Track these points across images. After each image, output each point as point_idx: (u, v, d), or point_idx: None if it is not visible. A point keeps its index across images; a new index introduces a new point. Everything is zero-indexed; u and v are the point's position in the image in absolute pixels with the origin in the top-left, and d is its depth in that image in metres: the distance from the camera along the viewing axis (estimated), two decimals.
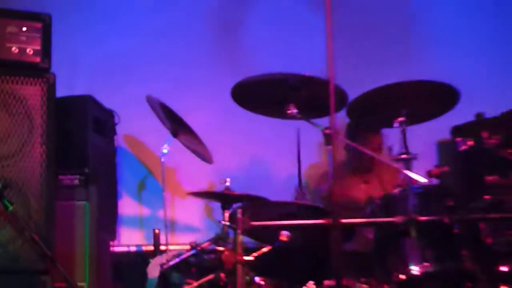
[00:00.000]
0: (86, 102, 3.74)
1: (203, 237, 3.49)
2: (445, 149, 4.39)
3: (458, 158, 3.84)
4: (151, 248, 3.89)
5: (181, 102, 3.80)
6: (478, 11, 4.90)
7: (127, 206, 4.33)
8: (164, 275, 3.32)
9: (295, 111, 3.13)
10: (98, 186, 3.65)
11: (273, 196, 4.09)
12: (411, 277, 2.91)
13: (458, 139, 3.48)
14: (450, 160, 4.15)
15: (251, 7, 4.68)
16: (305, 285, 2.97)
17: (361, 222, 3.32)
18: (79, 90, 3.84)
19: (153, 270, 3.55)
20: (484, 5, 4.87)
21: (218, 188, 3.46)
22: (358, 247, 3.48)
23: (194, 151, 3.75)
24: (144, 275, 3.65)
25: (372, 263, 3.23)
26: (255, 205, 3.33)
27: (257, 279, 2.99)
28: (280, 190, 4.51)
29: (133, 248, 4.26)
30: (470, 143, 3.40)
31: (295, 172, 4.58)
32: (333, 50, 2.38)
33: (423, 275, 2.91)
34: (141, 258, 3.96)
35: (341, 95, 3.09)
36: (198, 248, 3.31)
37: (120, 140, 4.18)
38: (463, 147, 3.45)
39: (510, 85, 4.25)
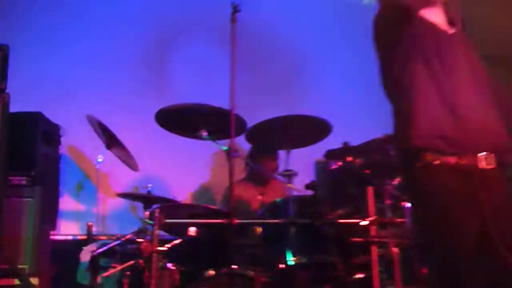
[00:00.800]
0: (37, 118, 3.79)
1: (127, 230, 3.49)
2: (321, 168, 4.54)
3: (330, 175, 4.07)
4: (85, 237, 3.85)
5: (115, 121, 3.81)
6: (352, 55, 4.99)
7: (67, 203, 4.31)
8: (94, 259, 3.34)
9: (205, 133, 3.26)
10: (43, 186, 3.71)
11: (187, 199, 4.30)
12: (289, 266, 3.10)
13: (330, 160, 3.73)
14: (323, 176, 4.39)
15: (176, 47, 4.78)
16: (207, 270, 3.04)
17: (252, 222, 3.45)
18: (32, 107, 3.85)
19: (85, 256, 3.55)
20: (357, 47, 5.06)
21: (142, 191, 3.48)
22: (249, 242, 3.50)
23: (123, 161, 3.78)
24: (77, 259, 3.66)
25: (259, 255, 3.36)
26: (170, 206, 3.40)
27: (169, 265, 3.05)
28: (193, 194, 4.65)
29: (69, 237, 4.26)
30: (339, 164, 3.63)
31: (206, 180, 4.78)
32: (236, 85, 2.57)
33: (298, 264, 3.11)
34: (76, 246, 3.91)
35: (241, 122, 3.20)
36: (123, 239, 3.35)
37: (64, 149, 4.15)
38: (334, 167, 3.70)
39: (369, 120, 4.40)
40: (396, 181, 3.44)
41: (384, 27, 2.15)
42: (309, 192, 3.37)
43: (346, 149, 3.59)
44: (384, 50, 2.17)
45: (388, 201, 3.35)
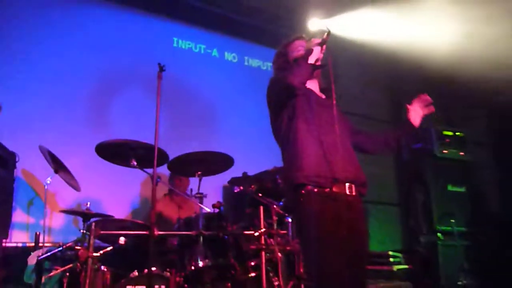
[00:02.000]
0: None
1: (69, 239, 3.43)
2: (226, 191, 4.69)
3: (233, 197, 4.27)
4: (33, 244, 3.73)
5: (63, 149, 3.75)
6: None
7: (19, 216, 4.15)
8: (39, 263, 3.26)
9: (135, 163, 3.26)
10: None
11: (120, 214, 4.16)
12: (198, 268, 3.14)
13: (234, 185, 3.84)
14: (228, 198, 4.52)
15: (114, 93, 4.78)
16: (132, 272, 3.02)
17: (170, 234, 3.49)
18: None
19: (32, 259, 3.46)
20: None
21: (82, 208, 3.40)
22: (167, 249, 3.51)
23: (68, 183, 3.71)
24: (25, 262, 3.56)
25: (175, 259, 3.37)
26: (104, 220, 3.34)
27: (102, 267, 3.02)
28: (124, 211, 4.60)
29: (20, 245, 4.10)
30: (240, 188, 3.76)
31: (135, 200, 4.74)
32: (161, 125, 2.56)
33: (205, 267, 3.17)
34: (25, 252, 3.81)
35: (164, 155, 3.25)
36: (64, 246, 3.29)
37: (18, 172, 4.04)
38: (236, 191, 3.83)
39: (263, 155, 4.45)
40: (281, 202, 3.67)
41: (275, 97, 2.38)
42: (216, 210, 3.40)
43: (245, 177, 3.73)
44: (274, 113, 2.40)
45: (274, 217, 3.46)
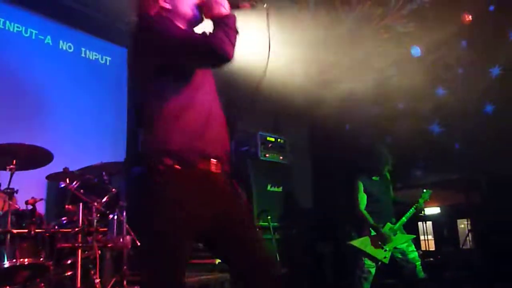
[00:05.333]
0: None
1: None
2: (51, 187, 4.23)
3: (58, 193, 3.94)
4: None
5: None
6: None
7: None
8: None
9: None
10: None
11: None
12: (8, 267, 2.96)
13: (60, 181, 3.59)
14: (52, 194, 4.20)
15: None
16: None
17: None
18: None
19: None
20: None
21: None
22: None
23: None
24: None
25: None
26: None
27: None
28: None
29: None
30: (65, 183, 3.49)
31: None
32: None
33: (12, 267, 2.99)
34: None
35: None
36: None
37: None
38: (62, 185, 3.55)
39: (93, 149, 4.36)
40: (104, 199, 3.59)
41: (164, 56, 1.71)
42: (29, 207, 3.21)
43: (66, 172, 3.51)
44: (145, 71, 1.76)
45: (95, 215, 3.41)
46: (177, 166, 1.67)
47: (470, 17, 5.26)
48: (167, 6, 1.81)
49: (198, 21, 1.86)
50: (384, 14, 5.38)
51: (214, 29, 1.72)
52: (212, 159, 1.76)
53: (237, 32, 1.73)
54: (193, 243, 1.76)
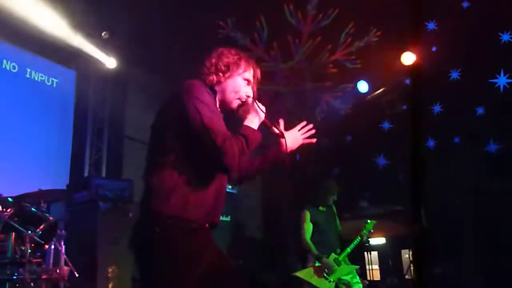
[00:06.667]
0: None
1: None
2: None
3: None
4: None
5: None
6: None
7: None
8: None
9: None
10: None
11: None
12: None
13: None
14: None
15: None
16: None
17: None
18: None
19: None
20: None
21: None
22: None
23: None
24: None
25: None
26: None
27: None
28: None
29: None
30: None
31: None
32: None
33: None
34: None
35: None
36: None
37: None
38: None
39: (32, 175, 4.23)
40: (40, 228, 3.38)
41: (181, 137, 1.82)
42: None
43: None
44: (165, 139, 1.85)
45: (28, 245, 3.21)
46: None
47: (414, 56, 5.51)
48: (217, 88, 1.94)
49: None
50: (333, 50, 5.56)
51: (235, 136, 1.80)
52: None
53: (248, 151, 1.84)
54: None
